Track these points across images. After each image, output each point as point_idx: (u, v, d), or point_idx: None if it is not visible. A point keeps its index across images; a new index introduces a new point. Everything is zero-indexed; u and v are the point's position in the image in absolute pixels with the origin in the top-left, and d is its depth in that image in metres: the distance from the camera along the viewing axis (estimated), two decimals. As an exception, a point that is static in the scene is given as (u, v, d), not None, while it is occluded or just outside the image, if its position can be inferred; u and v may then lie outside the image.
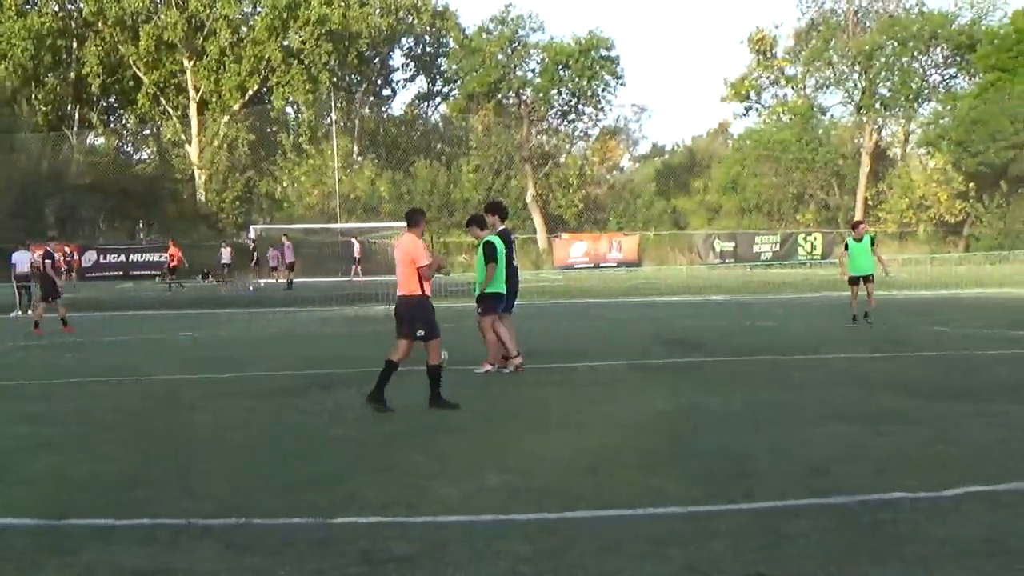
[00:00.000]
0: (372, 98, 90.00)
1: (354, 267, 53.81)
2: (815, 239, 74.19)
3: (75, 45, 79.76)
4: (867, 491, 7.63)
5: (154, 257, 65.09)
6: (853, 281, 23.25)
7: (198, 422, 11.65)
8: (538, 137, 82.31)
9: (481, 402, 12.62)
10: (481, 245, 15.43)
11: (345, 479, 8.35)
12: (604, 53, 79.78)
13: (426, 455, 9.29)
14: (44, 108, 79.63)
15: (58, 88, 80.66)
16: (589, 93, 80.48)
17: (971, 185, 76.53)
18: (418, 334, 11.87)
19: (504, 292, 15.47)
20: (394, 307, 12.39)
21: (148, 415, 12.31)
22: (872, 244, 23.62)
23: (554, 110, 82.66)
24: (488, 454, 9.31)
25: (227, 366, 16.94)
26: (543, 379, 14.82)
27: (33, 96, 78.85)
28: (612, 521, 7.05)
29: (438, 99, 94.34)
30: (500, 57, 79.59)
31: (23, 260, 35.74)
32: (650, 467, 8.66)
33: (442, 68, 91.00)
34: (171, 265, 52.39)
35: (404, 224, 12.49)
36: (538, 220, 76.69)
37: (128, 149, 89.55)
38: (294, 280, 48.65)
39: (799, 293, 38.01)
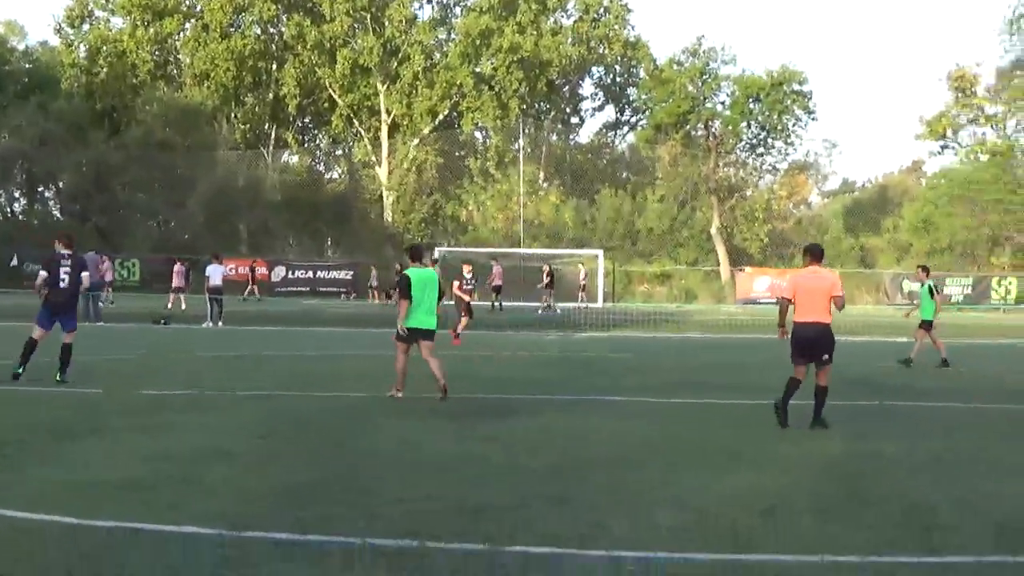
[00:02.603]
0: (560, 125, 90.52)
1: (545, 293, 53.18)
2: (1010, 283, 71.68)
3: (275, 67, 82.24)
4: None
5: (341, 274, 66.55)
6: None
7: (378, 440, 11.82)
8: (725, 169, 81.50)
9: (656, 436, 12.51)
10: None
11: (518, 508, 8.37)
12: (796, 87, 78.60)
13: (600, 487, 9.25)
14: (243, 127, 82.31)
15: (256, 108, 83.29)
16: (779, 127, 79.34)
17: None
18: (823, 358, 13.31)
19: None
20: (799, 333, 13.46)
21: (328, 429, 12.55)
22: None
23: (743, 143, 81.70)
24: (662, 490, 9.23)
25: (416, 386, 17.06)
26: (718, 413, 14.63)
27: (233, 115, 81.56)
28: (787, 567, 6.92)
29: (626, 128, 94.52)
30: (690, 88, 79.08)
31: (216, 273, 36.97)
32: (826, 512, 8.47)
33: (631, 98, 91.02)
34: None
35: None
36: (721, 252, 75.83)
37: (320, 168, 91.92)
38: (503, 303, 49.31)
39: (992, 338, 36.78)
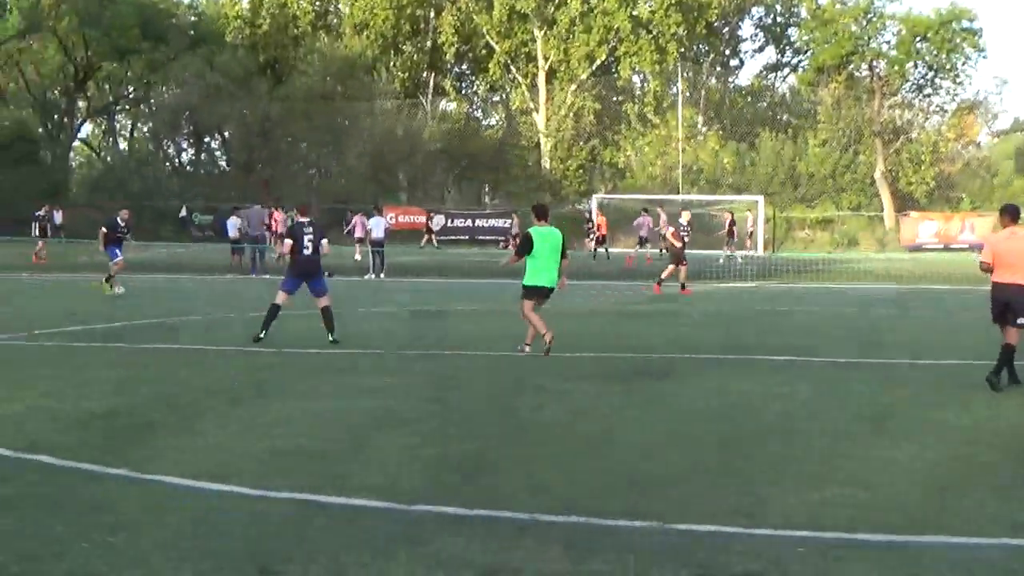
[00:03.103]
0: (719, 68, 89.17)
1: (726, 243, 51.77)
2: None
3: (432, 15, 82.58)
4: None
5: (499, 223, 66.84)
6: None
7: (545, 406, 11.84)
8: (890, 111, 79.30)
9: (826, 401, 12.29)
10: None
11: (684, 481, 8.30)
12: (966, 24, 76.01)
13: (766, 460, 9.12)
14: (401, 75, 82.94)
15: (414, 56, 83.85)
16: (947, 66, 76.84)
17: None
18: (1018, 321, 13.19)
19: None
20: (994, 294, 13.55)
21: (494, 393, 12.62)
22: None
23: (909, 84, 79.34)
24: (831, 463, 9.03)
25: (581, 344, 17.05)
26: (887, 376, 14.30)
27: (391, 64, 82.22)
28: (964, 551, 6.71)
29: (787, 70, 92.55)
30: (854, 28, 76.98)
31: (378, 224, 37.49)
32: (1004, 491, 8.18)
33: (792, 39, 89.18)
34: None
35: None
36: (886, 197, 73.88)
37: (478, 116, 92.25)
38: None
39: None
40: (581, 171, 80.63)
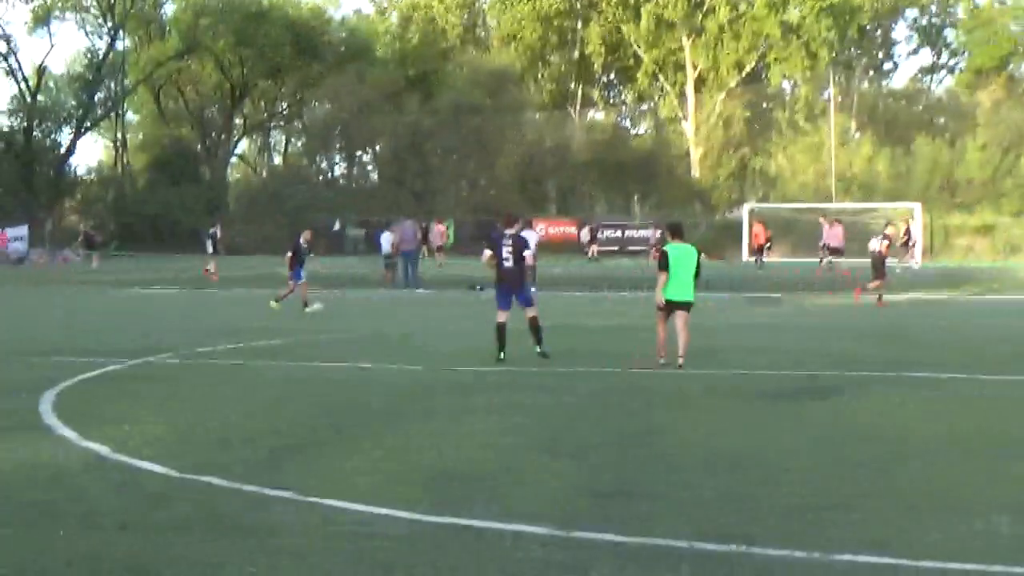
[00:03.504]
0: (872, 72, 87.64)
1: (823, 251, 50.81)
2: None
3: (579, 25, 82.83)
4: None
5: (648, 233, 66.57)
6: None
7: (688, 425, 11.78)
8: (1054, 111, 76.97)
9: (983, 422, 11.96)
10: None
11: (842, 507, 8.13)
12: None
13: (927, 484, 8.92)
14: (549, 87, 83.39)
15: (562, 67, 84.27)
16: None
17: None
18: None
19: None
20: None
21: (637, 412, 12.57)
22: None
23: (1072, 81, 77.15)
24: (991, 489, 8.79)
25: (726, 360, 16.90)
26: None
27: (539, 75, 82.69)
28: None
29: (943, 72, 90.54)
30: (1013, 28, 75.08)
31: (531, 238, 37.57)
32: None
33: (948, 40, 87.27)
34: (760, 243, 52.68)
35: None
36: (1050, 202, 71.68)
37: (626, 125, 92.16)
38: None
39: None
40: (731, 180, 79.95)
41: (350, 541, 7.35)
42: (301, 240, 28.46)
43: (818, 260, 47.80)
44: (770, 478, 9.15)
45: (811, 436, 11.10)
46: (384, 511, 8.06)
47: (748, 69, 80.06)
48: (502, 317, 16.94)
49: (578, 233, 63.89)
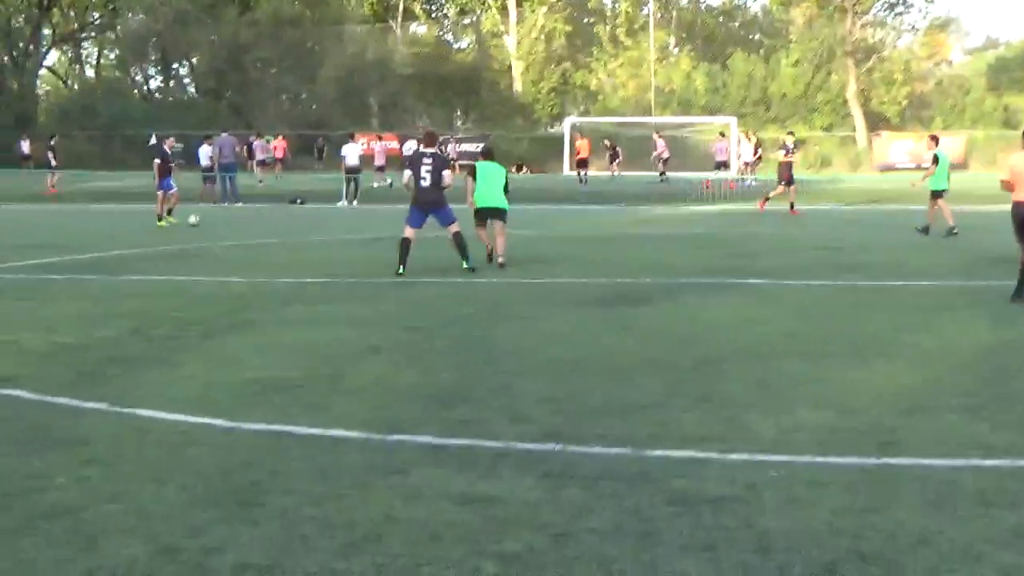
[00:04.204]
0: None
1: (659, 165, 52.21)
2: None
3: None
4: None
5: (472, 147, 66.56)
6: None
7: (521, 333, 11.86)
8: (862, 30, 79.07)
9: (797, 324, 12.36)
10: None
11: (660, 407, 8.35)
12: (937, -59, 75.80)
13: (742, 383, 9.18)
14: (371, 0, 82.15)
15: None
16: (920, -18, 76.77)
17: None
18: None
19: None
20: (1015, 212, 13.78)
21: (469, 320, 12.62)
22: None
23: (880, 2, 79.18)
24: (804, 385, 9.10)
25: (558, 270, 17.09)
26: (861, 299, 14.40)
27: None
28: (934, 472, 6.76)
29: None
30: (826, -54, 76.63)
31: (352, 152, 37.32)
32: (973, 411, 8.23)
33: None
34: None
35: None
36: (858, 117, 73.90)
37: (449, 39, 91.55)
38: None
39: None
40: (553, 94, 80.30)
41: (165, 449, 7.25)
42: (165, 147, 27.70)
43: (658, 174, 49.03)
44: (591, 381, 9.30)
45: (634, 340, 11.32)
46: (201, 420, 7.98)
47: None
48: (408, 233, 16.88)
49: (400, 148, 63.35)
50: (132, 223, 27.95)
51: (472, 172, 18.30)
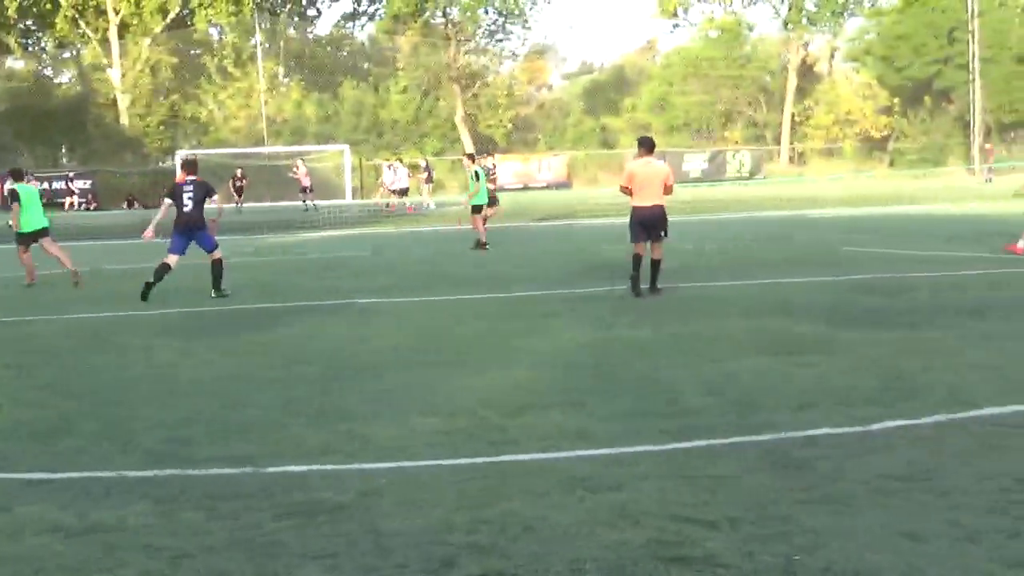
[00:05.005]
0: (297, 19, 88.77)
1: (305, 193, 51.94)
2: (743, 156, 74.57)
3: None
4: (792, 428, 7.76)
5: (82, 184, 64.17)
6: None
7: (127, 363, 11.54)
8: (466, 57, 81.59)
9: (412, 337, 12.65)
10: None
11: (280, 425, 8.35)
12: (531, -30, 79.06)
13: (359, 396, 9.31)
14: (-42, 33, 77.78)
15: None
16: (516, 11, 79.86)
17: (896, 100, 77.25)
18: (662, 234, 15.86)
19: None
20: (639, 215, 15.80)
21: (72, 355, 12.23)
22: None
23: (481, 29, 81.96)
24: (417, 394, 9.32)
25: (162, 300, 16.74)
26: (468, 311, 14.87)
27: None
28: (540, 465, 7.10)
29: (364, 19, 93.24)
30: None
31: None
32: (577, 406, 8.68)
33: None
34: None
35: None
36: (467, 140, 76.17)
37: (48, 73, 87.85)
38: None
39: (731, 212, 38.34)
40: (163, 127, 78.50)
41: None
42: None
43: (302, 202, 48.89)
44: (205, 404, 9.17)
45: (243, 363, 11.26)
46: None
47: (173, 15, 78.62)
48: (171, 260, 17.34)
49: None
50: None
51: (15, 197, 20.06)
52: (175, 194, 17.56)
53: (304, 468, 7.14)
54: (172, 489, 6.76)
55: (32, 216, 20.30)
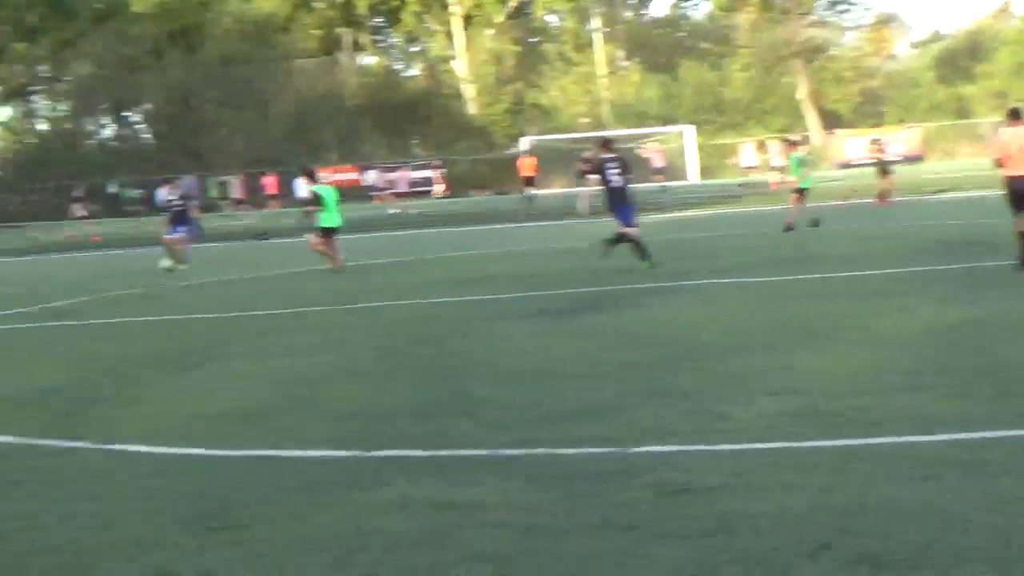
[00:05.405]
0: (633, 1, 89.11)
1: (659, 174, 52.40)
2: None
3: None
4: None
5: (431, 172, 66.65)
6: None
7: (483, 347, 11.90)
8: (807, 31, 79.60)
9: (756, 316, 12.47)
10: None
11: (635, 406, 8.37)
12: (874, -63, 76.45)
13: (709, 377, 9.26)
14: (316, 33, 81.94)
15: (328, 13, 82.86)
16: (858, -20, 77.41)
17: None
18: None
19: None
20: (1012, 186, 14.74)
21: (434, 339, 12.66)
22: None
23: (822, 1, 79.81)
24: (772, 376, 9.16)
25: (492, 286, 17.16)
26: (822, 289, 14.55)
27: (305, 23, 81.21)
28: (912, 448, 6.82)
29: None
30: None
31: (301, 186, 37.50)
32: (943, 387, 8.31)
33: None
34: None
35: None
36: (811, 117, 74.36)
37: (399, 67, 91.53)
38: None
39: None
40: (508, 115, 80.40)
41: (148, 480, 7.23)
42: (167, 193, 27.44)
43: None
44: (564, 387, 9.31)
45: (590, 345, 11.38)
46: (180, 450, 7.95)
47: (513, 5, 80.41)
48: (632, 232, 18.27)
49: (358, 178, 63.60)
50: (93, 269, 27.86)
51: (317, 197, 22.26)
52: (600, 170, 18.36)
53: (666, 448, 7.12)
54: (543, 468, 6.86)
55: (333, 214, 21.94)
